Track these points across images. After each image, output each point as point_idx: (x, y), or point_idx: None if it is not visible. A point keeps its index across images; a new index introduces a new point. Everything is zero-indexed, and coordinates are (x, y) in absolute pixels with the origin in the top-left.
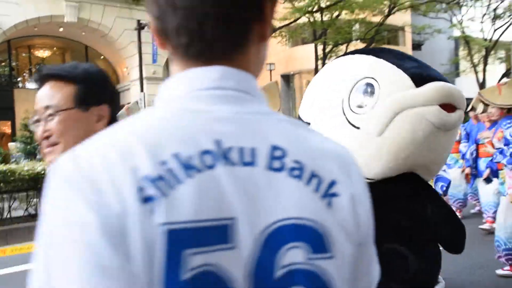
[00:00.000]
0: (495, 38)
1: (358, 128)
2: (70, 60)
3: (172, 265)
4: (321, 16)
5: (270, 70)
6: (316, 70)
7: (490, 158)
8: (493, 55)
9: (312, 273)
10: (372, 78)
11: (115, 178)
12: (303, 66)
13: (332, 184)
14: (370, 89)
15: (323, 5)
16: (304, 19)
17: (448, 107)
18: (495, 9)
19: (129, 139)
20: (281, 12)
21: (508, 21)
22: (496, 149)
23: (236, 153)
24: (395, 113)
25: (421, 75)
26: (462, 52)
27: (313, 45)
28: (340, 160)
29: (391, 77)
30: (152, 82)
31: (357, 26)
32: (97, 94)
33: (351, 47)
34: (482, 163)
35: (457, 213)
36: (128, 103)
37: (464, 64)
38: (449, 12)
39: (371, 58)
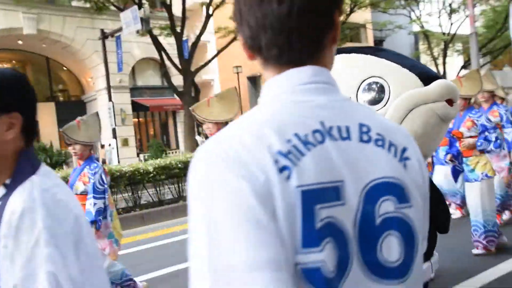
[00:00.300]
0: (452, 31)
1: None
2: (32, 74)
3: (307, 217)
4: None
5: (238, 73)
6: None
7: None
8: (451, 48)
9: (400, 219)
10: (380, 77)
11: (255, 154)
12: None
13: (404, 150)
14: (376, 87)
15: None
16: None
17: (450, 101)
18: (450, 4)
19: (257, 125)
20: None
21: (464, 14)
22: (469, 137)
23: (336, 130)
24: (409, 109)
25: (426, 74)
26: (422, 46)
27: None
28: (402, 133)
29: (400, 77)
30: (119, 91)
31: None
32: (6, 101)
33: None
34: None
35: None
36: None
37: (424, 58)
38: (408, 8)
39: (372, 58)
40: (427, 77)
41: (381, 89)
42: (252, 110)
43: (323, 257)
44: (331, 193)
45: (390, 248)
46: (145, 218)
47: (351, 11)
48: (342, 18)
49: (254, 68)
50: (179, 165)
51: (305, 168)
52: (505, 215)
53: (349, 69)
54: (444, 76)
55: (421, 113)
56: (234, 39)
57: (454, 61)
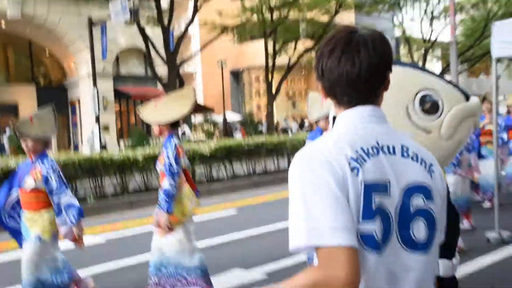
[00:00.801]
0: (433, 38)
1: (429, 132)
2: (13, 56)
3: (367, 200)
4: (271, 15)
5: (222, 67)
6: (267, 67)
7: None
8: (431, 53)
9: (426, 211)
10: (432, 89)
11: (336, 158)
12: (252, 62)
13: (431, 165)
14: (431, 99)
15: (273, 4)
16: (254, 17)
17: None
18: (432, 11)
19: (338, 140)
20: (232, 10)
21: (444, 22)
22: None
23: (386, 148)
24: (460, 120)
25: (463, 91)
26: (403, 50)
27: (261, 41)
28: (429, 154)
29: (449, 91)
30: (102, 78)
31: (304, 25)
32: None
33: (300, 45)
34: None
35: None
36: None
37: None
38: (391, 12)
39: (419, 73)
40: (465, 94)
41: (434, 102)
42: (333, 131)
43: (374, 227)
44: (382, 187)
45: (419, 230)
46: (133, 204)
47: (336, 12)
48: (327, 18)
49: (237, 62)
50: None
51: (367, 169)
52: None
53: (401, 82)
54: None
55: (467, 124)
56: (221, 33)
57: (433, 67)
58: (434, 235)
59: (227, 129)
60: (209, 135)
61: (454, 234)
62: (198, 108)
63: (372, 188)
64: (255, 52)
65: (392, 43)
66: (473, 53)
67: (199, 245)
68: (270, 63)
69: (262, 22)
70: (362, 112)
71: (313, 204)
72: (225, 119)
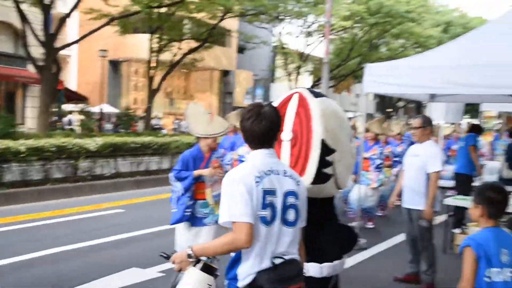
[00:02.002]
0: (307, 52)
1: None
2: None
3: (263, 199)
4: (159, 11)
5: (103, 56)
6: (149, 62)
7: None
8: (304, 67)
9: (295, 205)
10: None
11: (249, 177)
12: (133, 54)
13: (298, 181)
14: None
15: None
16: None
17: None
18: (308, 27)
19: (250, 166)
20: (119, 2)
21: (318, 39)
22: None
23: (275, 171)
24: None
25: None
26: (279, 61)
27: (144, 35)
28: (296, 174)
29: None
30: None
31: (189, 25)
32: None
33: (184, 45)
34: None
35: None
36: None
37: (280, 72)
38: (271, 23)
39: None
40: None
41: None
42: (248, 162)
43: (266, 213)
44: (272, 192)
45: (290, 215)
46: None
47: (222, 18)
48: (214, 22)
49: (117, 53)
50: (52, 148)
51: (264, 182)
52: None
53: (341, 116)
54: None
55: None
56: (108, 23)
57: (305, 79)
58: (298, 218)
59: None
60: (85, 127)
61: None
62: (71, 96)
63: (267, 193)
64: (137, 44)
65: (270, 53)
66: (339, 71)
67: (92, 243)
68: (154, 60)
69: (149, 17)
70: (262, 152)
71: (233, 200)
72: (101, 110)
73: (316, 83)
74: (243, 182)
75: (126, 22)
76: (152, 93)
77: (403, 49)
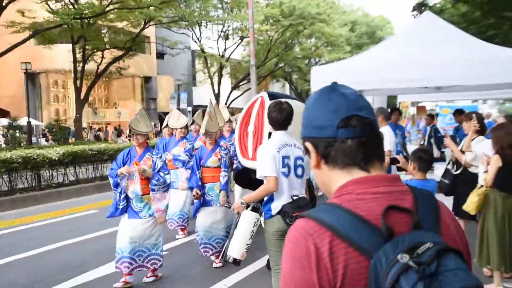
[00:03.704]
0: (227, 55)
1: None
2: None
3: (282, 161)
4: (81, 22)
5: (26, 70)
6: (76, 72)
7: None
8: (225, 69)
9: (302, 165)
10: None
11: (272, 149)
12: (50, 65)
13: (303, 150)
14: None
15: (82, 13)
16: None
17: None
18: (225, 31)
19: (272, 143)
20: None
21: (236, 42)
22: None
23: (288, 144)
24: None
25: None
26: (199, 64)
27: (62, 45)
28: (301, 146)
29: None
30: None
31: (110, 34)
32: None
33: (107, 54)
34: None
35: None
36: None
37: (200, 75)
38: (190, 28)
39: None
40: None
41: None
42: (272, 139)
43: (285, 170)
44: (287, 157)
45: (299, 171)
46: None
47: (145, 26)
48: (134, 30)
49: (33, 64)
50: (19, 160)
51: (282, 151)
52: None
53: (295, 110)
54: (219, 94)
55: None
56: (31, 36)
57: (227, 82)
58: (304, 173)
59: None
60: (15, 141)
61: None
62: None
63: (284, 158)
64: (55, 55)
65: (189, 56)
66: (258, 72)
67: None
68: (80, 69)
69: (71, 28)
70: (281, 133)
71: (265, 164)
72: (29, 123)
73: (236, 85)
74: (270, 151)
75: (47, 34)
76: (80, 103)
77: (315, 48)
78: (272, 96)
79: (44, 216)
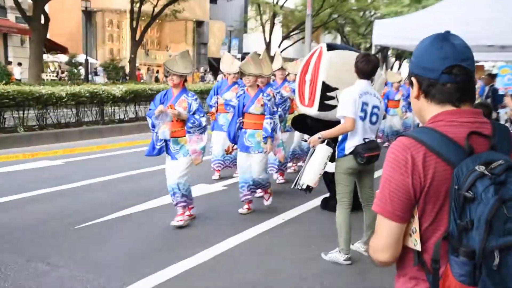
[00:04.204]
0: (280, 3)
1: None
2: None
3: (362, 106)
4: None
5: (85, 8)
6: (132, 12)
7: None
8: (277, 17)
9: (377, 114)
10: None
11: (356, 93)
12: (106, 4)
13: (380, 99)
14: None
15: None
16: None
17: None
18: None
19: (356, 89)
20: None
21: None
22: None
23: (369, 93)
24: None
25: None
26: (252, 11)
27: None
28: (378, 95)
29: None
30: None
31: None
32: None
33: None
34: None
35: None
36: None
37: (252, 22)
38: None
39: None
40: None
41: None
42: (357, 86)
43: (362, 114)
44: (366, 104)
45: (374, 118)
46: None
47: None
48: None
49: (90, 3)
50: (87, 94)
51: (363, 97)
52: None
53: (352, 61)
54: (270, 44)
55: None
56: None
57: (278, 31)
58: (378, 121)
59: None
60: (75, 77)
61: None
62: (49, 47)
63: (363, 104)
64: None
65: (242, 2)
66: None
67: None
68: (135, 8)
69: None
70: (365, 81)
71: (345, 105)
72: (87, 61)
73: (288, 34)
74: (352, 95)
75: None
76: (135, 44)
77: (372, 0)
78: (330, 47)
79: (107, 147)
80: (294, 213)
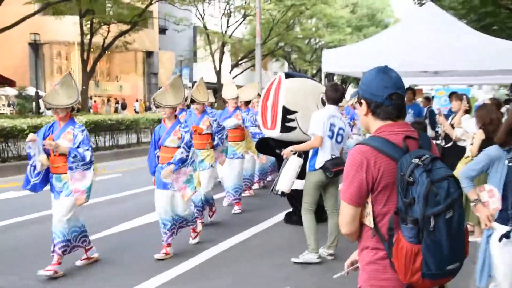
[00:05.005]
0: (229, 32)
1: None
2: None
3: (330, 128)
4: None
5: (35, 41)
6: (83, 44)
7: None
8: (226, 46)
9: (342, 134)
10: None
11: (325, 116)
12: (54, 37)
13: (345, 124)
14: (322, 98)
15: None
16: None
17: None
18: (229, 9)
19: (326, 112)
20: None
21: (238, 20)
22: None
23: (335, 115)
24: None
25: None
26: (201, 41)
27: (69, 17)
28: (345, 120)
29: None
30: None
31: (115, 8)
32: None
33: (113, 27)
34: None
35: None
36: None
37: (201, 52)
38: (193, 4)
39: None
40: None
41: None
42: (325, 109)
43: (330, 134)
44: (333, 125)
45: (339, 137)
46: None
47: (151, 2)
48: (139, 4)
49: (37, 36)
50: None
51: (330, 120)
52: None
53: (312, 88)
54: (220, 72)
55: None
56: (42, 8)
57: (225, 60)
58: (342, 141)
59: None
60: (25, 110)
61: None
62: None
63: (331, 125)
64: (59, 26)
65: (191, 32)
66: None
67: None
68: (87, 42)
69: (78, 1)
70: (333, 106)
71: (315, 125)
72: (37, 94)
73: (237, 62)
74: (322, 117)
75: (57, 6)
76: (87, 76)
77: (316, 29)
78: (288, 75)
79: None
80: (261, 227)
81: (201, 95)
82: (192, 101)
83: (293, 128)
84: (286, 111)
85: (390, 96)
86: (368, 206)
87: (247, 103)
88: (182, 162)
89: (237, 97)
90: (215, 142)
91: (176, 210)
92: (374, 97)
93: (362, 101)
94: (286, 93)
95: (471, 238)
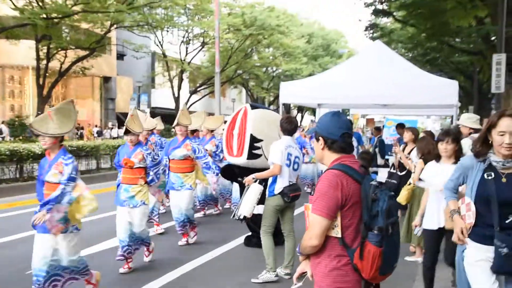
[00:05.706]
0: (188, 60)
1: None
2: None
3: (288, 157)
4: (47, 22)
5: None
6: (38, 69)
7: None
8: (185, 73)
9: (298, 162)
10: None
11: (282, 146)
12: (8, 60)
13: (301, 153)
14: None
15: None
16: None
17: None
18: (188, 37)
19: (283, 143)
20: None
21: (197, 48)
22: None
23: (292, 145)
24: None
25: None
26: (159, 67)
27: (22, 41)
28: (299, 150)
29: None
30: None
31: (74, 34)
32: None
33: (70, 53)
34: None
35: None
36: None
37: (159, 78)
38: (152, 31)
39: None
40: None
41: None
42: (282, 140)
43: (288, 162)
44: (290, 154)
45: (296, 165)
46: None
47: (109, 29)
48: (102, 32)
49: None
50: (7, 152)
51: (288, 150)
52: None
53: (275, 119)
54: (178, 98)
55: None
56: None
57: (183, 87)
58: (298, 168)
59: None
60: None
61: None
62: None
63: (288, 154)
64: (13, 50)
65: (149, 58)
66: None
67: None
68: (42, 67)
69: (34, 26)
70: (288, 137)
71: (274, 155)
72: None
73: (195, 89)
74: (280, 147)
75: (12, 30)
76: (43, 100)
77: (273, 58)
78: (253, 106)
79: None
80: (222, 249)
81: (136, 126)
82: (127, 132)
83: (259, 156)
84: (253, 139)
85: (343, 135)
86: (337, 219)
87: (212, 131)
88: (59, 200)
89: (188, 126)
90: (150, 178)
91: (134, 227)
92: (330, 135)
93: (320, 138)
94: (253, 123)
95: (411, 258)
